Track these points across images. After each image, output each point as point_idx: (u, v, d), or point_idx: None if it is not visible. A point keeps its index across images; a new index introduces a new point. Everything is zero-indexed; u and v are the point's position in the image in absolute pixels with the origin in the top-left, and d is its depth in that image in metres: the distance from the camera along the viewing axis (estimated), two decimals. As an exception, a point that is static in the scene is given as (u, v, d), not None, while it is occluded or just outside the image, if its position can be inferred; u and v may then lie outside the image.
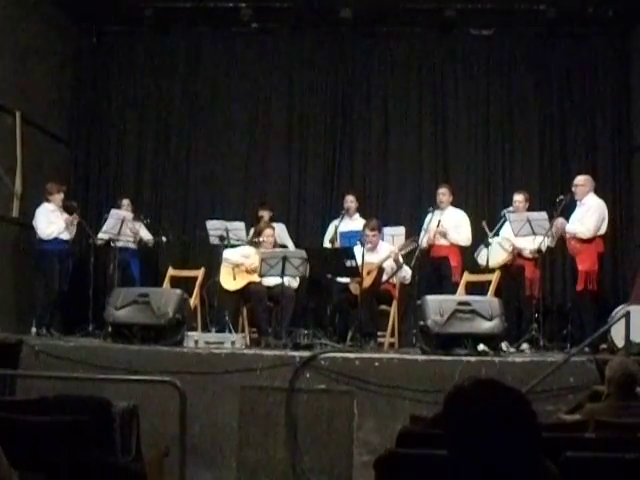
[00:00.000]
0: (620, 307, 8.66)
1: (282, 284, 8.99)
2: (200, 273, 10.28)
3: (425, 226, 9.92)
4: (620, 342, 7.96)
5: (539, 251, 9.40)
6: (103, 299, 9.33)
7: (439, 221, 9.85)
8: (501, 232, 9.86)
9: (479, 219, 10.45)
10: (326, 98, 11.96)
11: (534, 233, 9.23)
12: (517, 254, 9.69)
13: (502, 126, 11.62)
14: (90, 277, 10.24)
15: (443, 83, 11.79)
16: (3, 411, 4.19)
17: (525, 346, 9.10)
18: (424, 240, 9.80)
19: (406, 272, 9.46)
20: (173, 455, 5.57)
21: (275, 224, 10.41)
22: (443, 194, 10.10)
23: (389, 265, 9.35)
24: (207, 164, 12.01)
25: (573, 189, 9.39)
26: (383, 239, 9.82)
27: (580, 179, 9.47)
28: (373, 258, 9.25)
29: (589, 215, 9.18)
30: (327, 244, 10.33)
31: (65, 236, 10.05)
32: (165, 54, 12.19)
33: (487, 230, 9.87)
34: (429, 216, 9.93)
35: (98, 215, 11.05)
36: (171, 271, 10.52)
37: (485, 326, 8.00)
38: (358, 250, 9.01)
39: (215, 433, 7.64)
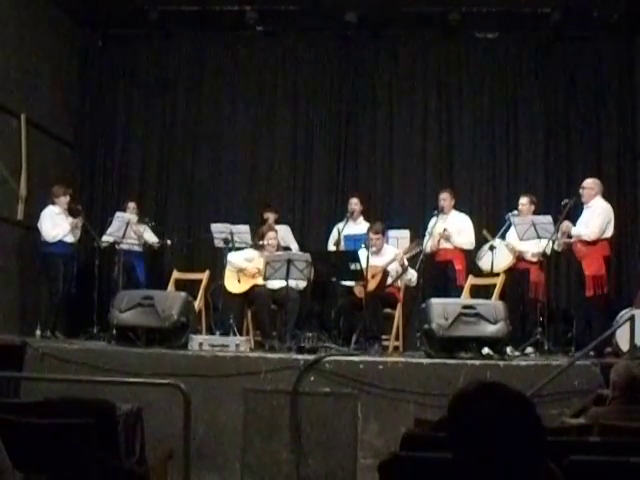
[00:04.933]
0: (625, 311, 8.65)
1: (287, 287, 8.99)
2: (205, 276, 10.30)
3: (429, 230, 9.92)
4: (625, 346, 7.95)
5: (544, 254, 9.38)
6: (108, 302, 9.30)
7: (445, 229, 9.85)
8: (506, 236, 9.85)
9: (484, 222, 10.45)
10: (331, 101, 11.96)
11: (539, 236, 9.21)
12: (519, 257, 9.70)
13: (507, 129, 11.60)
14: (95, 280, 10.23)
15: (448, 86, 11.78)
16: (7, 413, 4.20)
17: (530, 350, 9.08)
18: (428, 245, 9.80)
19: (412, 274, 9.46)
20: (177, 458, 5.56)
21: (279, 226, 10.42)
22: (444, 199, 10.10)
23: (394, 268, 9.34)
24: (212, 167, 12.01)
25: (580, 191, 9.37)
26: (388, 242, 9.81)
27: (588, 182, 9.43)
28: (378, 261, 9.25)
29: (594, 217, 9.16)
30: (331, 247, 10.33)
31: (70, 239, 10.05)
32: (170, 57, 12.20)
33: (489, 237, 9.86)
34: (433, 220, 9.93)
35: (103, 218, 11.06)
36: (176, 274, 10.54)
37: (490, 330, 8.00)
38: (363, 253, 9.02)
39: (219, 436, 7.64)
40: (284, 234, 10.54)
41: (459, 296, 9.43)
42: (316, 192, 11.82)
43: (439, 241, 9.87)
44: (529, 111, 11.56)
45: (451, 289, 9.72)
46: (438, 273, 10.08)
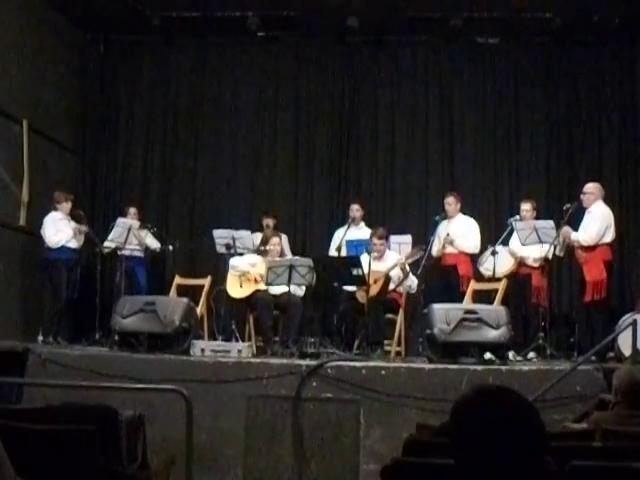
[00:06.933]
0: (627, 315, 8.64)
1: (289, 292, 8.98)
2: (207, 281, 10.28)
3: (437, 234, 9.91)
4: (627, 351, 7.95)
5: (546, 259, 9.38)
6: (110, 307, 9.32)
7: (447, 234, 9.85)
8: (509, 241, 9.84)
9: (486, 228, 10.44)
10: (333, 106, 11.97)
11: (541, 241, 9.21)
12: (521, 262, 9.69)
13: (509, 134, 11.61)
14: (97, 285, 10.25)
15: (449, 91, 11.79)
16: (10, 419, 4.19)
17: (532, 354, 9.08)
18: (434, 249, 9.82)
19: (412, 281, 9.44)
20: (179, 463, 5.57)
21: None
22: (449, 204, 10.09)
23: (396, 274, 9.34)
24: (214, 172, 12.02)
25: (581, 196, 9.35)
26: (390, 247, 9.81)
27: (589, 187, 9.42)
28: (380, 267, 9.25)
29: (592, 223, 9.13)
30: (333, 253, 10.32)
31: (73, 244, 10.07)
32: (172, 63, 12.22)
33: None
34: (439, 225, 9.92)
35: (105, 223, 11.07)
36: (178, 279, 10.53)
37: (492, 335, 7.99)
38: (365, 259, 9.01)
39: (221, 441, 7.63)
40: (282, 243, 10.51)
41: (461, 301, 9.41)
42: (317, 197, 11.82)
43: (443, 246, 9.87)
44: (531, 116, 11.57)
45: (454, 294, 9.71)
46: (441, 278, 10.08)
